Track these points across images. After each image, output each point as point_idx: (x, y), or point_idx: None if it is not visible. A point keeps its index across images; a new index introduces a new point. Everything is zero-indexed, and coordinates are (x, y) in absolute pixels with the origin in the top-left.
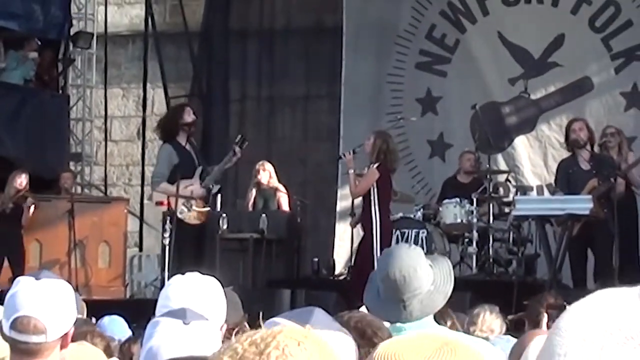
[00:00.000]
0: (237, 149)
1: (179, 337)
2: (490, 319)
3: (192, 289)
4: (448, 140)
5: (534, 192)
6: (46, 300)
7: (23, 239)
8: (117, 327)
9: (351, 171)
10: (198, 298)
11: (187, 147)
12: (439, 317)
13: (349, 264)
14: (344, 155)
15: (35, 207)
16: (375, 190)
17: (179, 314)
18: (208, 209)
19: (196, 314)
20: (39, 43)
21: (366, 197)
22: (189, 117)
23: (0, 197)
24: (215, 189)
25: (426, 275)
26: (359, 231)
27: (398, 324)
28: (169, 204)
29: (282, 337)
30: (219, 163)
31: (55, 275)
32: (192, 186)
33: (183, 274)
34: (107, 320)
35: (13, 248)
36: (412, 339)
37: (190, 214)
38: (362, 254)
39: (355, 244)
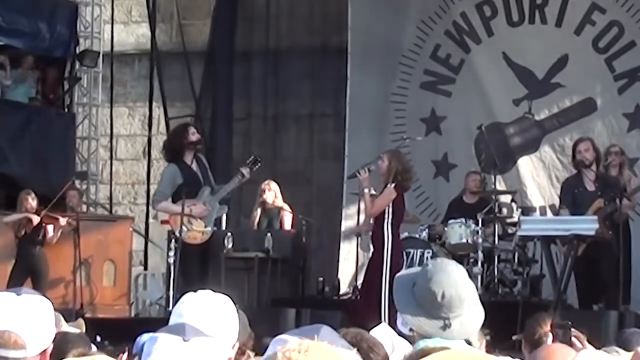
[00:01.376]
0: (246, 170)
1: (178, 354)
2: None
3: (204, 307)
4: (452, 160)
5: (537, 213)
6: (27, 316)
7: (46, 258)
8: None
9: (366, 190)
10: (211, 316)
11: (194, 166)
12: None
13: (354, 283)
14: (359, 173)
15: (68, 224)
16: (391, 210)
17: (179, 330)
18: (209, 228)
19: (196, 331)
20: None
21: (379, 217)
22: (193, 136)
23: (15, 219)
24: (221, 211)
25: (470, 297)
26: (363, 250)
27: (436, 338)
28: (170, 222)
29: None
30: (224, 183)
31: (35, 292)
32: (194, 206)
33: (194, 291)
34: (145, 337)
35: (36, 267)
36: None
37: (190, 234)
38: (371, 274)
39: (361, 263)
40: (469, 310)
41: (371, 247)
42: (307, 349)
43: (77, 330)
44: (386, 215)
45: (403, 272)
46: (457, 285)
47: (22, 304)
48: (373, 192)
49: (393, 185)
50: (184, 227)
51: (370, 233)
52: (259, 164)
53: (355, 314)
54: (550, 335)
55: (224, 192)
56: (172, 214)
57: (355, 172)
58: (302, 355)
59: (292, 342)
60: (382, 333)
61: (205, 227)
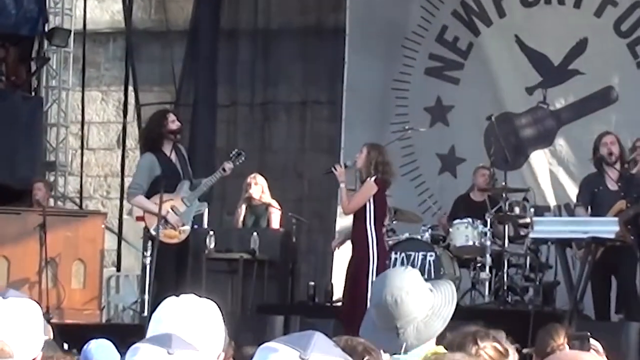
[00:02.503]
0: (229, 165)
1: None
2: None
3: (188, 313)
4: (460, 154)
5: (551, 213)
6: (14, 322)
7: None
8: (105, 354)
9: (342, 185)
10: (195, 323)
11: (173, 157)
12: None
13: None
14: (335, 169)
15: None
16: (372, 206)
17: (163, 341)
18: (187, 227)
19: (183, 342)
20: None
21: (360, 214)
22: (173, 124)
23: None
24: (200, 208)
25: (422, 299)
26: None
27: (395, 355)
28: (145, 219)
29: None
30: (206, 177)
31: (24, 294)
32: (172, 201)
33: (176, 296)
34: (93, 346)
35: None
36: None
37: (166, 232)
38: (355, 278)
39: None
40: (425, 318)
41: (351, 247)
42: None
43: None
44: (367, 213)
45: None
46: (402, 289)
47: (9, 309)
48: (342, 184)
49: (373, 178)
50: (159, 225)
51: (350, 233)
52: (243, 158)
53: (343, 323)
54: (567, 348)
55: (204, 188)
56: (147, 211)
57: (331, 167)
58: None
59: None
60: None
61: (183, 225)
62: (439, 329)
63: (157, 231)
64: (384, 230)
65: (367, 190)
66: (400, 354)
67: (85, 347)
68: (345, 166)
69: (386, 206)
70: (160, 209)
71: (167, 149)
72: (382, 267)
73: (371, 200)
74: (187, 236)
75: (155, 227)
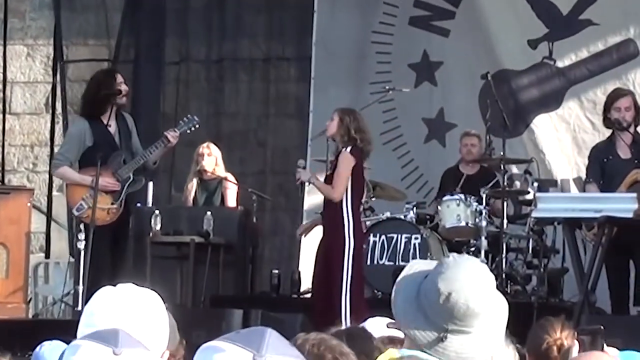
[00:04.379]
0: (173, 134)
1: None
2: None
3: (125, 305)
4: (450, 119)
5: (559, 188)
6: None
7: None
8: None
9: (314, 181)
10: (133, 317)
11: (112, 126)
12: None
13: None
14: (299, 175)
15: None
16: (350, 181)
17: (109, 339)
18: (115, 206)
19: (132, 340)
20: None
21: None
22: (121, 86)
23: None
24: (134, 185)
25: (489, 314)
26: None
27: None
28: (67, 195)
29: None
30: (146, 148)
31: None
32: (100, 176)
33: (113, 285)
34: (47, 348)
35: None
36: None
37: (89, 212)
38: (328, 265)
39: None
40: (479, 330)
41: (322, 228)
42: None
43: None
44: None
45: (411, 271)
46: (477, 294)
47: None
48: (312, 179)
49: (349, 149)
50: (82, 203)
51: (321, 212)
52: (195, 126)
53: (311, 315)
54: (577, 344)
55: (140, 161)
56: (72, 183)
57: (298, 165)
58: None
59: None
60: (377, 327)
61: (112, 204)
62: (482, 356)
63: (79, 211)
64: (361, 209)
65: (345, 165)
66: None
67: (37, 349)
68: (303, 167)
69: (363, 180)
70: (97, 183)
71: (106, 116)
72: (359, 253)
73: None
74: (118, 217)
75: (78, 206)
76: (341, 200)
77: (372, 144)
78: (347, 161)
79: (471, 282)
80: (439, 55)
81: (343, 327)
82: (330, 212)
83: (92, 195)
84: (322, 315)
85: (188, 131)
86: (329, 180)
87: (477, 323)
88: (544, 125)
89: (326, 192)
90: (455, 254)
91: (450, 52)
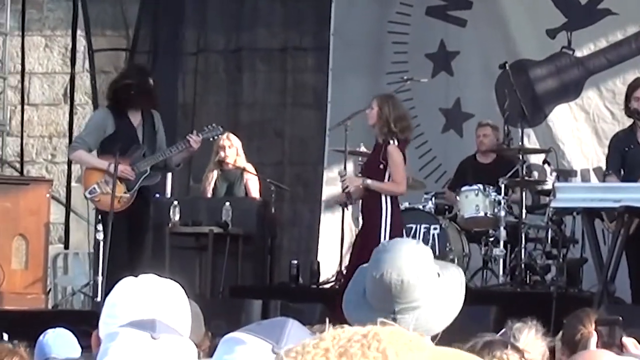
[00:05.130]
0: (195, 138)
1: (143, 355)
2: (531, 340)
3: (147, 296)
4: (466, 108)
5: (578, 178)
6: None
7: None
8: (64, 345)
9: (369, 182)
10: (155, 308)
11: (137, 119)
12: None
13: (338, 268)
14: (344, 185)
15: None
16: (389, 173)
17: (146, 325)
18: (127, 195)
19: (168, 327)
20: None
21: (376, 180)
22: (148, 84)
23: None
24: (149, 179)
25: (431, 285)
26: (351, 226)
27: None
28: (83, 179)
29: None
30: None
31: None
32: (119, 163)
33: (135, 276)
34: (50, 336)
35: None
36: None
37: (103, 197)
38: (361, 253)
39: (349, 241)
40: (428, 307)
41: (361, 220)
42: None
43: None
44: (385, 179)
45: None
46: (413, 269)
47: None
48: (368, 181)
49: (395, 142)
50: (95, 187)
51: (360, 202)
52: (218, 136)
53: (339, 305)
54: (595, 334)
55: (159, 157)
56: (89, 167)
57: (339, 174)
58: None
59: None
60: None
61: (125, 193)
62: (441, 326)
63: (91, 194)
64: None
65: (399, 159)
66: None
67: (41, 337)
68: (344, 175)
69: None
70: (115, 172)
71: (131, 109)
72: None
73: (388, 167)
74: (131, 207)
75: (91, 189)
76: (380, 193)
77: (412, 129)
78: (398, 154)
79: (400, 258)
80: (455, 45)
81: None
82: (369, 204)
83: (107, 181)
84: None
85: (211, 139)
86: (369, 171)
87: (422, 296)
88: (562, 115)
89: (391, 189)
90: (387, 241)
91: (467, 42)
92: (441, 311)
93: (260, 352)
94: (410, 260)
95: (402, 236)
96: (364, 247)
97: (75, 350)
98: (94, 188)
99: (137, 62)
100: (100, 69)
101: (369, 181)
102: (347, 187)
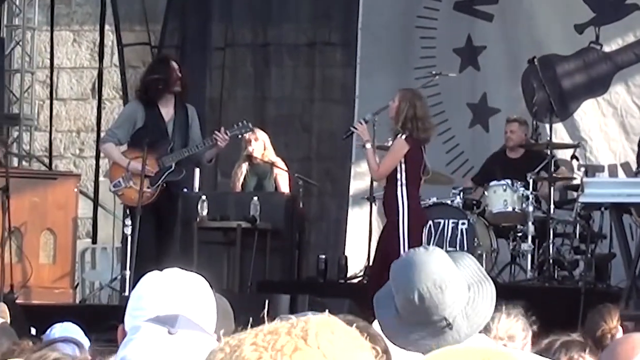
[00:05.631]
0: (223, 136)
1: (159, 350)
2: (508, 323)
3: (172, 289)
4: (493, 103)
5: (605, 173)
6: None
7: None
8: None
9: (368, 146)
10: (180, 301)
11: (168, 113)
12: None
13: (366, 263)
14: (355, 128)
15: None
16: (403, 166)
17: (167, 320)
18: (150, 190)
19: (190, 323)
20: None
21: (391, 177)
22: (174, 74)
23: None
24: (173, 175)
25: (461, 281)
26: (378, 221)
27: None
28: (110, 172)
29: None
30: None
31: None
32: (135, 161)
33: (160, 270)
34: (58, 330)
35: None
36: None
37: (126, 191)
38: (384, 250)
39: (376, 236)
40: (469, 301)
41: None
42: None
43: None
44: (398, 175)
45: (381, 290)
46: (443, 273)
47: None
48: (367, 145)
49: (404, 136)
50: (121, 180)
51: (382, 199)
52: (247, 133)
53: (366, 302)
54: (620, 330)
55: (186, 153)
56: (113, 162)
57: (350, 127)
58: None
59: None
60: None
61: (148, 187)
62: (489, 311)
63: (116, 187)
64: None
65: (397, 151)
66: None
67: (48, 331)
68: (365, 121)
69: (421, 167)
70: (144, 165)
71: (163, 103)
72: (415, 239)
73: (402, 161)
74: (150, 200)
75: (116, 182)
76: (396, 187)
77: (431, 130)
78: (399, 146)
79: (429, 269)
80: (482, 39)
81: None
82: (387, 200)
83: (130, 177)
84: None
85: (239, 136)
86: None
87: (460, 294)
88: (590, 110)
89: (371, 164)
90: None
91: (494, 37)
92: (481, 300)
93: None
94: (435, 267)
95: (421, 233)
96: (385, 244)
97: (84, 343)
98: (119, 182)
99: (157, 59)
100: (129, 64)
101: (368, 145)
102: (354, 129)
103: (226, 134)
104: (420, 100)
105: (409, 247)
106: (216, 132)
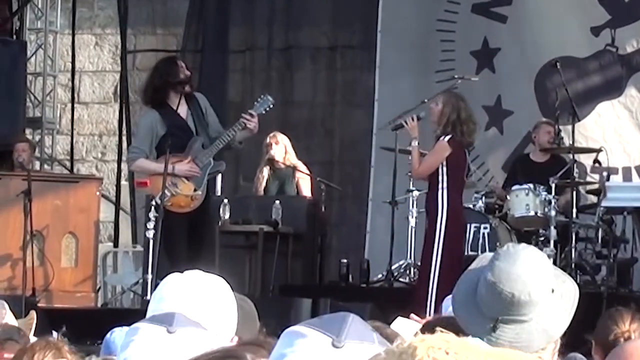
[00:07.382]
0: (250, 117)
1: (159, 349)
2: None
3: (193, 291)
4: (507, 105)
5: (619, 176)
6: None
7: None
8: None
9: (415, 143)
10: (200, 303)
11: (183, 111)
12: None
13: (388, 267)
14: (406, 123)
15: None
16: (445, 170)
17: (164, 320)
18: (199, 192)
19: (187, 320)
20: None
21: (433, 180)
22: (182, 74)
23: None
24: (215, 168)
25: (542, 302)
26: (403, 223)
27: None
28: (147, 183)
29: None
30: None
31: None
32: (180, 163)
33: (180, 272)
34: (117, 334)
35: None
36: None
37: (174, 199)
38: (423, 251)
39: (398, 239)
40: (537, 318)
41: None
42: (456, 348)
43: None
44: (440, 178)
45: (477, 264)
46: (523, 283)
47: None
48: (415, 142)
49: (447, 138)
50: (167, 192)
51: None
52: (270, 107)
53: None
54: (633, 335)
55: (219, 144)
56: (151, 174)
57: (402, 121)
58: (451, 357)
59: (434, 338)
60: (401, 328)
61: (195, 190)
62: (541, 344)
63: (162, 199)
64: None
65: (438, 153)
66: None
67: (107, 335)
68: (419, 118)
69: (464, 171)
70: (165, 171)
71: (174, 102)
72: (452, 243)
73: (444, 164)
74: (201, 204)
75: (161, 194)
76: (437, 190)
77: (475, 133)
78: (440, 149)
79: (517, 271)
80: (497, 41)
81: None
82: (428, 203)
83: (173, 182)
84: (420, 303)
85: (264, 111)
86: None
87: (531, 311)
88: (605, 112)
89: (413, 162)
90: (511, 244)
91: (507, 39)
92: (546, 329)
93: (320, 345)
94: (526, 276)
95: (461, 235)
96: (425, 242)
97: None
98: (165, 194)
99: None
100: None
101: (415, 142)
102: (404, 123)
103: (251, 115)
104: (464, 103)
105: (445, 249)
106: (243, 115)
